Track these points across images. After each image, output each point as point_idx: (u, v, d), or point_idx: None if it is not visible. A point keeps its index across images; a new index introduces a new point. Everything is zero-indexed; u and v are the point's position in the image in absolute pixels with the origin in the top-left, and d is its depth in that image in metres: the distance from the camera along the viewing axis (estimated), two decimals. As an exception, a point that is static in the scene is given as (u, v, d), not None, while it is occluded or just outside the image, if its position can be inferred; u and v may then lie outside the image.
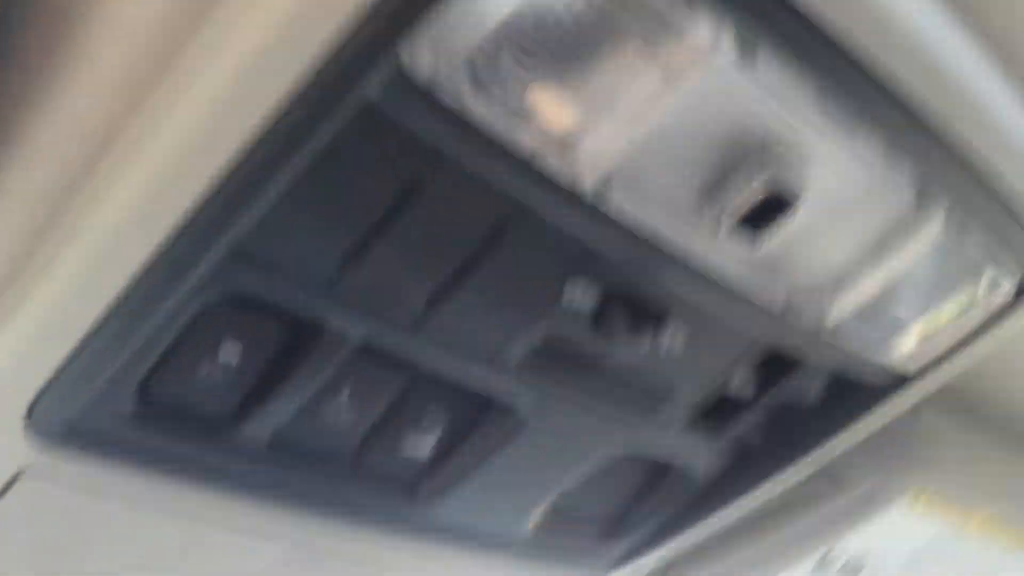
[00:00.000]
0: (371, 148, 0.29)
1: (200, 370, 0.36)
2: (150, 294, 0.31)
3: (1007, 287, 0.40)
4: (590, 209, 0.32)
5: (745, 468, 0.49)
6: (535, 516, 0.48)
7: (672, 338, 0.39)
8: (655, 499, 0.51)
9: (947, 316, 0.41)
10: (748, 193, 0.32)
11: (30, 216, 0.32)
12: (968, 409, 0.60)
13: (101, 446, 0.36)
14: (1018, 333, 0.51)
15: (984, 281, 0.40)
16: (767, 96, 0.30)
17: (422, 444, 0.42)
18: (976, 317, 0.42)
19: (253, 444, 0.39)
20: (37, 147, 0.31)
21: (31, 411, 0.35)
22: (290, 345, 0.36)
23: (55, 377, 0.33)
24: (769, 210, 0.33)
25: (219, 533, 0.42)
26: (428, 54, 0.26)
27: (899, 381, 0.44)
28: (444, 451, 0.43)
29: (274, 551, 0.44)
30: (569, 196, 0.31)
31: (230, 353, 0.36)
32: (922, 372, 0.44)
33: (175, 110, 0.27)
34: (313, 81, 0.25)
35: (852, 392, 0.45)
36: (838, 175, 0.33)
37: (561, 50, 0.27)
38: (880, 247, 0.36)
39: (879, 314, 0.40)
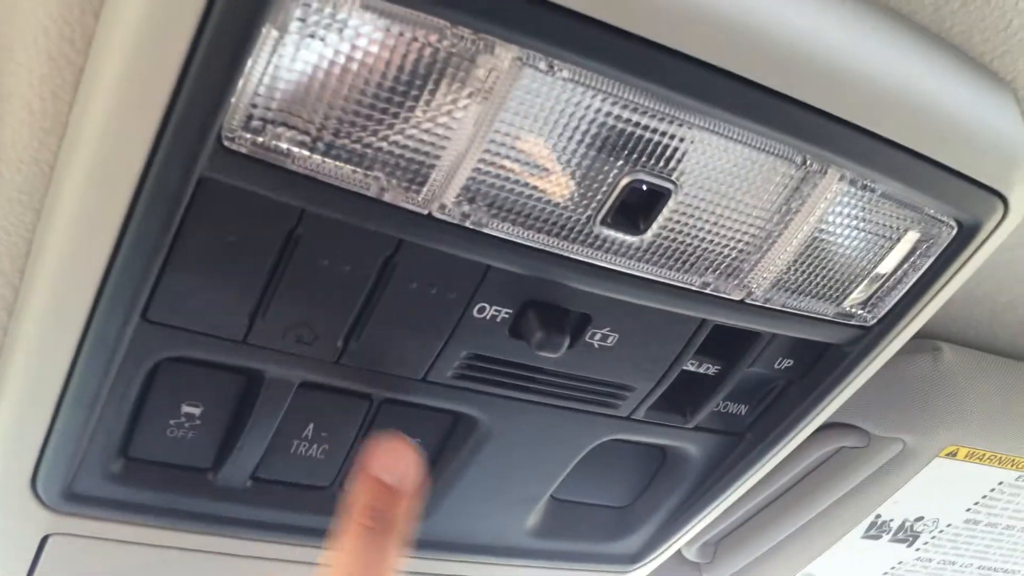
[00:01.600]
0: (237, 212, 0.32)
1: (170, 427, 0.40)
2: (87, 370, 0.35)
3: (946, 229, 0.39)
4: (462, 231, 0.34)
5: (740, 445, 0.49)
6: (535, 518, 0.50)
7: (603, 333, 0.40)
8: (658, 488, 0.52)
9: (890, 265, 0.40)
10: (615, 193, 0.33)
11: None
12: (993, 348, 0.58)
13: (99, 506, 0.41)
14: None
15: (917, 226, 0.39)
16: (597, 100, 0.31)
17: (402, 465, 0.45)
18: (924, 261, 0.41)
19: (235, 486, 0.42)
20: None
21: (34, 485, 0.40)
22: (243, 393, 0.40)
23: (43, 454, 0.38)
24: (646, 201, 0.34)
25: (225, 567, 0.46)
26: (242, 126, 0.29)
27: (862, 335, 0.43)
28: (426, 467, 0.45)
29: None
30: (436, 224, 0.33)
31: (193, 408, 0.40)
32: (885, 322, 0.43)
33: (58, 210, 0.31)
34: (150, 166, 0.29)
35: (819, 353, 0.45)
36: (711, 158, 0.34)
37: (373, 98, 0.29)
38: (780, 214, 0.36)
39: (809, 276, 0.40)
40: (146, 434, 0.40)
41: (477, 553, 0.49)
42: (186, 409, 0.39)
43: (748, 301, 0.40)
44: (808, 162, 0.35)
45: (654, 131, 0.32)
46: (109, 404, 0.37)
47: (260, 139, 0.29)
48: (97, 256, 0.31)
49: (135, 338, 0.34)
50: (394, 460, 0.39)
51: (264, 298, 0.35)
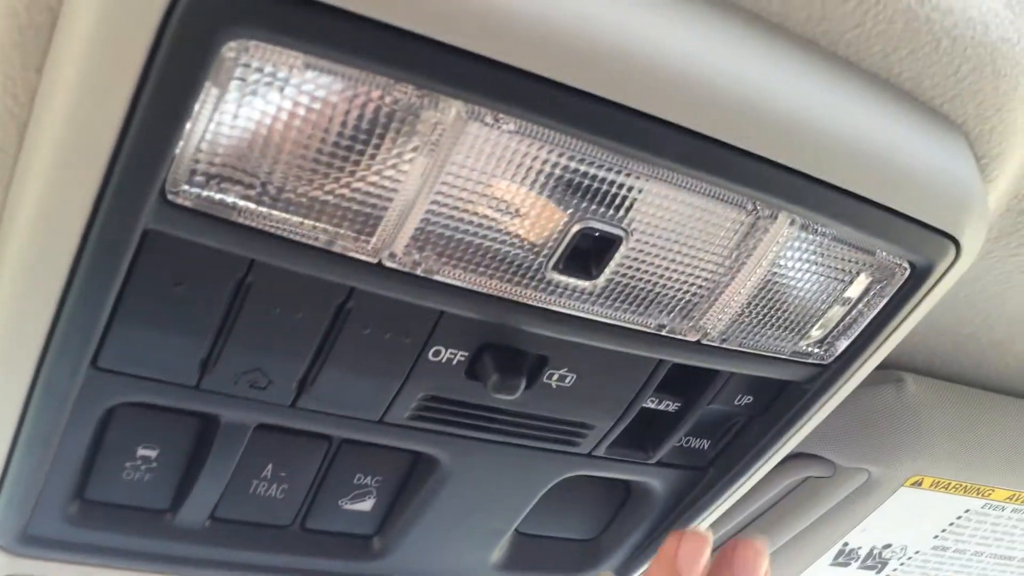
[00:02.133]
0: (185, 262, 0.32)
1: (126, 470, 0.40)
2: (37, 415, 0.35)
3: (899, 270, 0.40)
4: (413, 279, 0.34)
5: (702, 479, 0.50)
6: (500, 552, 0.50)
7: (560, 373, 0.40)
8: (623, 521, 0.52)
9: (844, 306, 0.41)
10: (566, 240, 0.34)
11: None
12: (956, 378, 0.58)
13: (57, 548, 0.41)
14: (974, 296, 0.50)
15: (870, 269, 0.39)
16: (544, 151, 0.31)
17: (363, 501, 0.45)
18: (878, 301, 0.41)
19: (194, 526, 0.42)
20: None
21: (-12, 526, 0.39)
22: (199, 436, 0.40)
23: (-1, 494, 0.38)
24: (597, 247, 0.35)
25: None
26: (186, 180, 0.29)
27: (820, 372, 0.43)
28: (388, 504, 0.46)
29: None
30: (385, 272, 0.33)
31: (149, 451, 0.40)
32: (842, 360, 0.43)
33: (6, 256, 0.31)
34: (93, 218, 0.29)
35: (778, 390, 0.45)
36: (661, 206, 0.34)
37: (318, 152, 0.29)
38: (733, 258, 0.37)
39: (765, 318, 0.40)
40: (102, 477, 0.40)
41: (440, 589, 0.49)
42: (142, 452, 0.39)
43: (704, 342, 0.40)
44: (758, 208, 0.35)
45: (602, 181, 0.33)
46: (63, 448, 0.37)
47: (204, 193, 0.30)
48: (44, 305, 0.31)
49: (86, 385, 0.34)
50: (696, 553, 0.41)
51: (216, 345, 0.35)
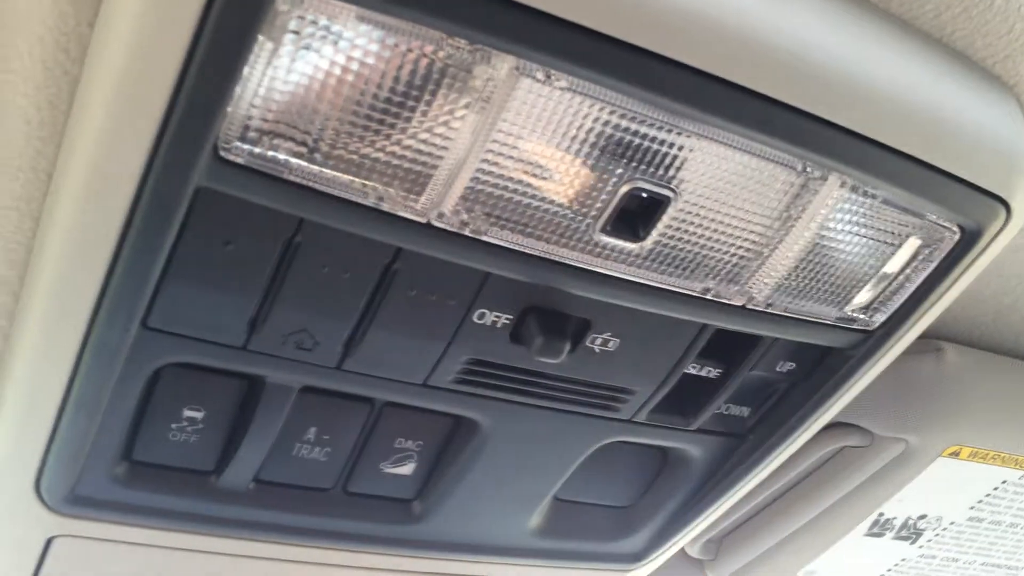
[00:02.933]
0: (236, 220, 0.32)
1: (172, 431, 0.40)
2: (88, 376, 0.35)
3: (948, 234, 0.39)
4: (461, 240, 0.34)
5: (741, 447, 0.49)
6: (538, 518, 0.50)
7: (604, 338, 0.40)
8: (661, 488, 0.52)
9: (892, 270, 0.40)
10: (615, 201, 0.33)
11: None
12: (996, 348, 0.57)
13: (104, 508, 0.41)
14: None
15: (919, 232, 0.39)
16: (595, 109, 0.31)
17: (403, 465, 0.45)
18: (926, 266, 0.40)
19: (236, 489, 0.42)
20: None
21: (38, 488, 0.40)
22: (244, 397, 0.40)
23: (46, 454, 0.38)
24: (645, 209, 0.34)
25: (233, 567, 0.46)
26: (238, 136, 0.29)
27: (865, 338, 0.43)
28: (428, 469, 0.46)
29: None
30: (435, 232, 0.33)
31: (195, 412, 0.40)
32: (887, 326, 0.43)
33: (56, 218, 0.31)
34: (147, 177, 0.29)
35: (822, 357, 0.45)
36: (710, 166, 0.34)
37: (370, 108, 0.29)
38: (781, 220, 0.36)
39: (812, 282, 0.39)
40: (149, 438, 0.40)
41: (480, 553, 0.50)
42: (188, 413, 0.40)
43: (749, 306, 0.40)
44: (808, 169, 0.35)
45: (652, 139, 0.32)
46: (111, 409, 0.37)
47: (256, 150, 0.29)
48: (95, 265, 0.32)
49: (135, 345, 0.35)
50: None
51: (264, 305, 0.35)
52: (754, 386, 0.46)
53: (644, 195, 0.34)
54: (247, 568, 0.47)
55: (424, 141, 0.31)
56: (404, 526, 0.47)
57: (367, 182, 0.31)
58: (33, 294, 0.34)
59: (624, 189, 0.33)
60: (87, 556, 0.44)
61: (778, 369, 0.45)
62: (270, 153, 0.30)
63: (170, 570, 0.46)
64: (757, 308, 0.40)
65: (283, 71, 0.28)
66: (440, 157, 0.31)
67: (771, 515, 0.63)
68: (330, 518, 0.45)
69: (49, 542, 0.43)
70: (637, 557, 0.55)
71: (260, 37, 0.27)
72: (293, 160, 0.30)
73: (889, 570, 0.70)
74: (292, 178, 0.30)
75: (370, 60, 0.28)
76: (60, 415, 0.37)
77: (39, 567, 0.44)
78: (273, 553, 0.46)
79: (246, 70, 0.28)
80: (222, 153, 0.29)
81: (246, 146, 0.29)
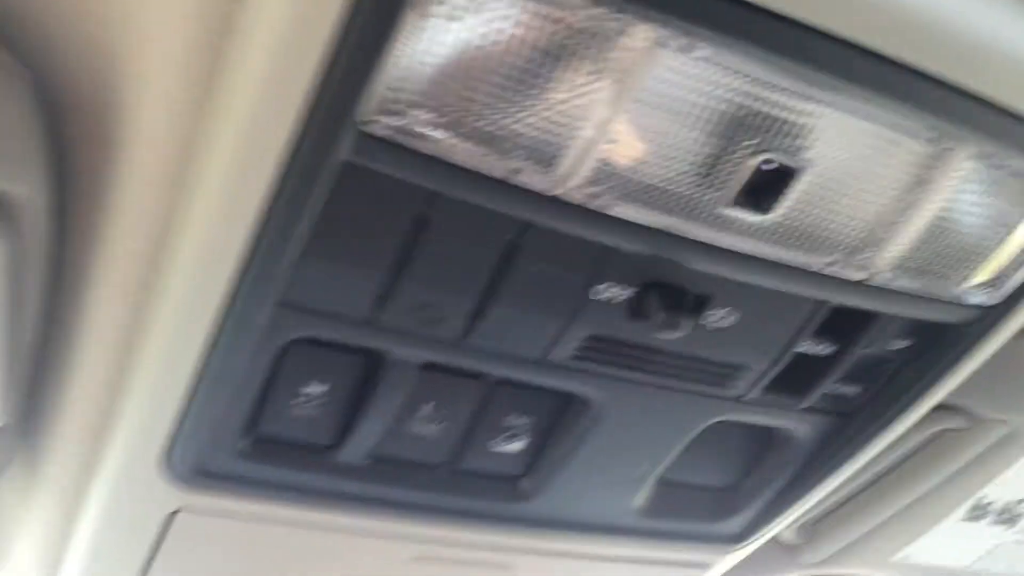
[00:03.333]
0: (370, 195, 0.33)
1: (296, 405, 0.41)
2: (225, 350, 0.36)
3: (1077, 204, 0.38)
4: (588, 214, 0.34)
5: (849, 426, 0.49)
6: (642, 497, 0.50)
7: (722, 314, 0.40)
8: (764, 469, 0.51)
9: (1016, 245, 0.40)
10: (744, 172, 0.33)
11: (123, 303, 0.38)
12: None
13: (226, 482, 0.42)
14: None
15: (1047, 203, 0.38)
16: (731, 79, 0.31)
17: (514, 443, 0.46)
18: (1052, 239, 0.39)
19: (354, 464, 0.43)
20: (113, 245, 0.37)
21: (166, 461, 0.41)
22: (366, 373, 0.40)
23: (175, 431, 0.40)
24: (773, 181, 0.34)
25: (347, 542, 0.47)
26: (382, 110, 0.29)
27: (984, 315, 0.42)
28: (538, 446, 0.46)
29: (399, 555, 0.49)
30: (562, 206, 0.33)
31: (318, 387, 0.41)
32: (1007, 303, 0.42)
33: (200, 194, 0.32)
34: (291, 152, 0.30)
35: (938, 334, 0.44)
36: (840, 136, 0.33)
37: (508, 79, 0.29)
38: (909, 192, 0.36)
39: (934, 256, 0.39)
40: (273, 412, 0.41)
41: (585, 531, 0.50)
42: (312, 388, 0.41)
43: (869, 282, 0.39)
44: (939, 139, 0.34)
45: (786, 109, 0.32)
46: (241, 383, 0.38)
47: (398, 123, 0.30)
48: (239, 240, 0.32)
49: (272, 320, 0.35)
50: None
51: (392, 280, 0.36)
52: (866, 364, 0.46)
53: (773, 167, 0.34)
54: (360, 543, 0.48)
55: (561, 113, 0.31)
56: (511, 504, 0.47)
57: (502, 154, 0.32)
58: (172, 270, 0.35)
59: (755, 161, 0.33)
60: (207, 529, 0.45)
61: (892, 347, 0.45)
62: (411, 126, 0.30)
63: (285, 544, 0.47)
64: (877, 284, 0.39)
65: (428, 43, 0.29)
66: (576, 129, 0.31)
67: (867, 499, 0.62)
68: (440, 494, 0.46)
69: (172, 516, 0.44)
70: (737, 539, 0.54)
71: (407, 10, 0.28)
72: (433, 133, 0.30)
73: (981, 557, 0.69)
74: (431, 151, 0.31)
75: (512, 30, 0.29)
76: (194, 389, 0.38)
77: (160, 540, 0.46)
78: (385, 529, 0.47)
79: (392, 44, 0.28)
80: (366, 127, 0.30)
81: (389, 120, 0.30)
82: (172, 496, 0.43)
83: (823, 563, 0.66)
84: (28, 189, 0.33)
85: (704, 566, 0.57)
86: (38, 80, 0.34)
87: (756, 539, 0.55)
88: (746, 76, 0.31)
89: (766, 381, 0.44)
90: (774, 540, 0.66)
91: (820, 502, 0.62)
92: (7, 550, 0.56)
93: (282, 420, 0.41)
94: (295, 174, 0.30)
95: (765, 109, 0.32)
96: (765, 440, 0.51)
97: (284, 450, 0.42)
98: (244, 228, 0.32)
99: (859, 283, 0.39)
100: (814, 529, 0.66)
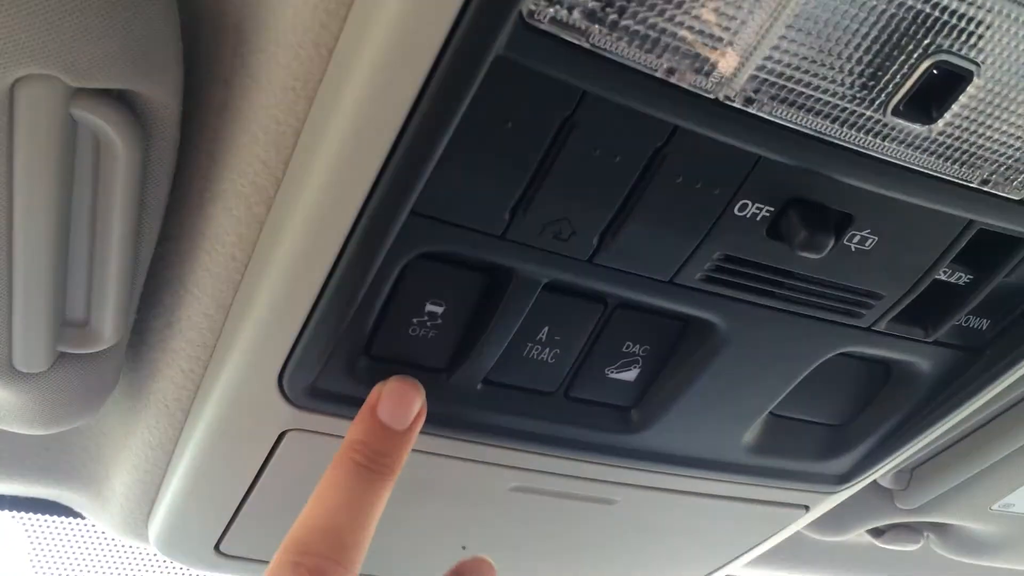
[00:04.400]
0: (516, 96, 0.31)
1: (412, 326, 0.40)
2: (354, 264, 0.35)
3: None
4: (744, 118, 0.32)
5: (975, 364, 0.47)
6: (752, 433, 0.49)
7: (863, 235, 0.38)
8: (880, 406, 0.50)
9: None
10: (914, 77, 0.31)
11: (247, 214, 0.37)
12: None
13: (340, 403, 0.41)
14: None
15: None
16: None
17: (628, 370, 0.44)
18: None
19: (468, 388, 0.42)
20: (240, 155, 0.36)
21: (280, 381, 0.40)
22: (486, 293, 0.39)
23: (294, 350, 0.39)
24: (942, 87, 0.32)
25: (449, 467, 0.46)
26: (548, 1, 0.28)
27: None
28: (651, 376, 0.45)
29: (499, 484, 0.48)
30: (719, 109, 0.31)
31: (436, 307, 0.40)
32: None
33: (340, 98, 0.31)
34: (446, 46, 0.28)
35: (1085, 266, 0.42)
36: (1012, 38, 0.31)
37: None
38: (1082, 100, 0.33)
39: (1098, 173, 0.36)
40: (390, 333, 0.40)
41: (692, 467, 0.49)
42: (430, 308, 0.39)
43: (1024, 201, 0.37)
44: None
45: (960, 5, 0.30)
46: (364, 300, 0.37)
47: (562, 13, 0.28)
48: (380, 143, 0.31)
49: (403, 231, 0.34)
50: (403, 406, 0.39)
51: (529, 191, 0.34)
52: (1001, 296, 0.43)
53: (942, 71, 0.31)
54: (462, 469, 0.47)
55: (725, 11, 0.29)
56: (621, 435, 0.46)
57: (662, 53, 0.30)
58: (304, 179, 0.33)
59: (926, 64, 0.31)
60: (316, 451, 0.44)
61: (1032, 278, 0.42)
62: (572, 18, 0.28)
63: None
64: (1036, 202, 0.37)
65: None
66: (738, 30, 0.29)
67: (973, 444, 0.60)
68: (550, 422, 0.45)
69: (283, 435, 0.43)
70: (843, 479, 0.53)
71: None
72: (594, 26, 0.29)
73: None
74: (589, 45, 0.29)
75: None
76: (315, 306, 0.37)
77: (268, 458, 0.45)
78: (492, 457, 0.46)
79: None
80: (528, 19, 0.28)
81: (551, 10, 0.28)
82: (286, 415, 0.42)
83: (919, 510, 0.65)
84: (163, 93, 0.32)
85: (806, 507, 0.55)
86: None
87: (862, 480, 0.53)
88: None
89: (898, 310, 0.42)
90: (871, 484, 0.64)
91: (924, 445, 0.60)
92: (105, 474, 0.56)
93: (398, 341, 0.40)
94: (448, 70, 0.29)
95: (941, 2, 0.30)
96: (883, 375, 0.49)
97: (398, 372, 0.41)
98: (387, 129, 0.31)
99: (1016, 202, 0.37)
100: (912, 475, 0.64)
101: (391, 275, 0.37)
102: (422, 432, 0.44)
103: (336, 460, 0.38)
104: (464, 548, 0.56)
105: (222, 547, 0.53)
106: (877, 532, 0.71)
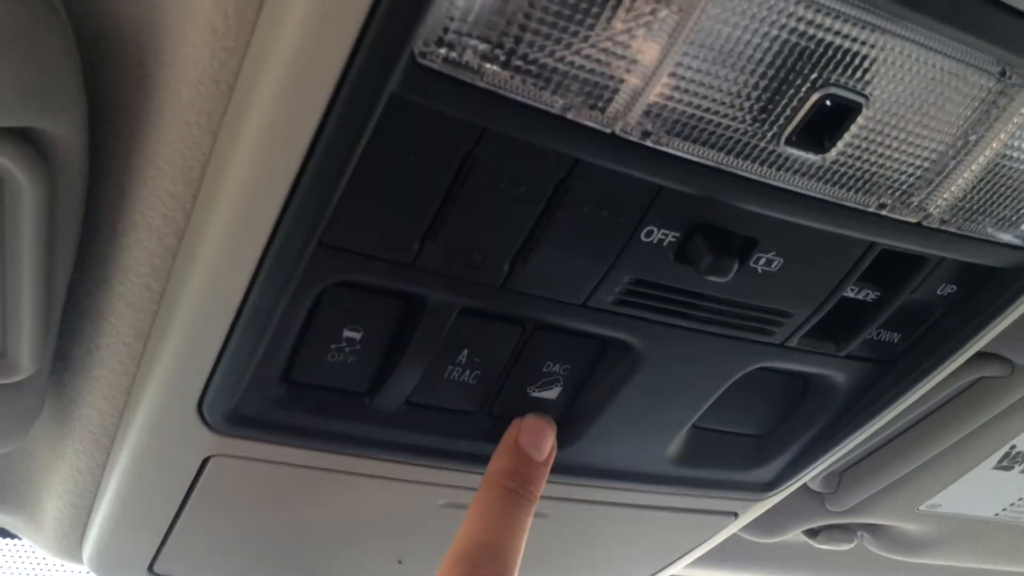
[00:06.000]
0: (417, 132, 0.31)
1: (331, 351, 0.40)
2: (265, 294, 0.35)
3: None
4: (642, 150, 0.33)
5: (889, 374, 0.48)
6: (676, 446, 0.50)
7: (768, 257, 0.39)
8: (800, 417, 0.51)
9: (1075, 186, 0.38)
10: (804, 109, 0.32)
11: (159, 246, 0.37)
12: None
13: (261, 428, 0.42)
14: None
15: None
16: (793, 4, 0.29)
17: (550, 389, 0.45)
18: (1112, 181, 0.38)
19: (390, 411, 0.43)
20: (148, 188, 0.36)
21: (200, 408, 0.40)
22: (403, 318, 0.40)
23: (212, 377, 0.39)
24: (833, 118, 0.33)
25: (378, 488, 0.46)
26: (438, 42, 0.28)
27: (1035, 261, 0.41)
28: (573, 393, 0.45)
29: (429, 501, 0.48)
30: (616, 143, 0.32)
31: (354, 333, 0.40)
32: (1061, 248, 0.41)
33: (241, 134, 0.31)
34: (341, 85, 0.28)
35: (984, 278, 0.43)
36: (902, 70, 0.32)
37: (567, 7, 0.28)
38: (970, 131, 0.35)
39: (991, 197, 0.38)
40: (308, 358, 0.40)
41: (619, 479, 0.50)
42: (348, 334, 0.40)
43: (924, 224, 0.38)
44: (1007, 74, 0.33)
45: (847, 37, 0.31)
46: (277, 328, 0.37)
47: (453, 55, 0.29)
48: (282, 177, 0.31)
49: (312, 261, 0.34)
50: (541, 439, 0.44)
51: (437, 221, 0.35)
52: (909, 310, 0.45)
53: (832, 103, 0.32)
54: (391, 489, 0.47)
55: (618, 47, 0.30)
56: (547, 451, 0.47)
57: (557, 90, 0.30)
58: (211, 211, 0.34)
59: (816, 96, 0.32)
60: (241, 475, 0.45)
61: (938, 292, 0.44)
62: (466, 58, 0.29)
63: (319, 491, 0.47)
64: (931, 226, 0.38)
65: (483, -30, 0.27)
66: (632, 64, 0.30)
67: (898, 448, 0.62)
68: (475, 441, 0.45)
69: (206, 461, 0.44)
70: (768, 487, 0.54)
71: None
72: (487, 66, 0.29)
73: (1010, 505, 0.69)
74: (483, 84, 0.30)
75: (572, -43, 0.27)
76: (230, 334, 0.37)
77: (193, 485, 0.45)
78: (419, 476, 0.47)
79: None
80: (419, 59, 0.28)
81: (443, 51, 0.29)
82: (207, 442, 0.42)
83: (849, 512, 0.66)
84: (65, 128, 0.32)
85: (734, 514, 0.56)
86: (74, 15, 0.33)
87: (787, 487, 0.55)
88: (810, 3, 0.30)
89: (808, 327, 0.43)
90: (801, 488, 0.66)
91: (850, 451, 0.61)
92: (37, 498, 0.56)
93: (318, 366, 0.40)
94: (344, 109, 0.29)
95: (827, 39, 0.31)
96: (801, 387, 0.50)
97: (318, 397, 0.42)
98: (288, 165, 0.31)
99: (913, 225, 0.38)
100: (841, 477, 0.65)
101: (305, 303, 0.37)
102: (349, 454, 0.44)
103: (487, 485, 0.42)
104: (400, 563, 0.56)
105: (156, 568, 0.53)
106: (812, 533, 0.73)
